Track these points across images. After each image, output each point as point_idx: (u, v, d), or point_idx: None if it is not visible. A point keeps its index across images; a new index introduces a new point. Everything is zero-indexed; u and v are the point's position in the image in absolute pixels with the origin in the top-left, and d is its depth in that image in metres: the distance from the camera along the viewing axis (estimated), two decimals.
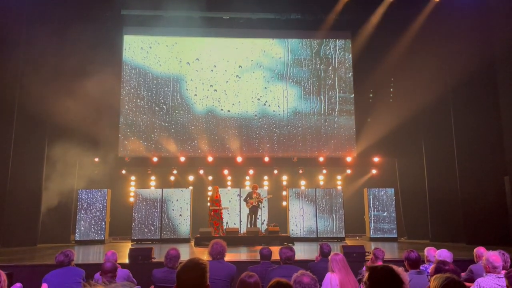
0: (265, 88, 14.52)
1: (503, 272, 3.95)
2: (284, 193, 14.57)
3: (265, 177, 14.90)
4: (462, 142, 11.81)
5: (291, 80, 14.61)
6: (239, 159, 14.05)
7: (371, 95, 14.35)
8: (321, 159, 14.26)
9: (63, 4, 12.44)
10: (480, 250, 5.23)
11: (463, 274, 4.86)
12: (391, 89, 14.45)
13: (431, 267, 4.40)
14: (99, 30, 13.01)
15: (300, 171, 14.90)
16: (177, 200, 12.98)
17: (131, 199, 13.45)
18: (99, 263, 5.48)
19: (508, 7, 11.10)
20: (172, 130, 14.11)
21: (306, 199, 13.37)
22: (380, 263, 5.08)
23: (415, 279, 4.05)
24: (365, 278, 2.28)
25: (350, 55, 14.79)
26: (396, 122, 13.23)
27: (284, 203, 14.30)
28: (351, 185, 14.95)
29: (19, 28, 11.47)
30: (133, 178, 14.35)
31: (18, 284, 4.88)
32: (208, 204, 12.46)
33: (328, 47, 14.85)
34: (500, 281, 3.76)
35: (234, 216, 13.33)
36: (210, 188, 13.87)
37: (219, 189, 12.66)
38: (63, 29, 12.30)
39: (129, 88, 14.20)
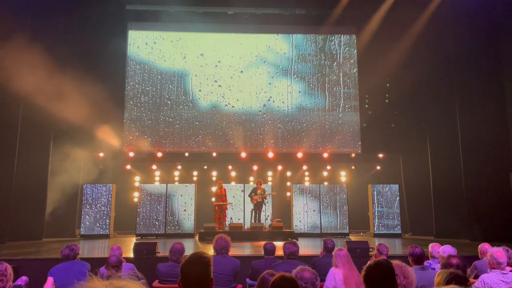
0: (270, 83, 14.49)
1: (508, 268, 3.95)
2: (288, 188, 14.58)
3: (269, 173, 14.90)
4: (467, 138, 11.73)
5: (295, 76, 14.57)
6: (243, 154, 14.04)
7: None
8: (325, 155, 14.23)
9: None
10: (484, 246, 5.23)
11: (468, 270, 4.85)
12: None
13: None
14: (103, 25, 13.06)
15: (304, 167, 14.88)
16: (181, 195, 13.01)
17: (136, 194, 13.51)
18: (104, 257, 5.52)
19: None
20: (177, 126, 14.13)
21: (310, 195, 13.36)
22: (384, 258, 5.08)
23: (419, 274, 4.04)
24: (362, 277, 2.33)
25: (355, 51, 14.71)
26: (399, 118, 13.15)
27: (288, 199, 14.31)
28: (355, 181, 14.91)
29: (24, 24, 11.48)
30: (137, 173, 14.41)
31: (24, 278, 4.93)
32: (213, 199, 12.48)
33: (333, 43, 14.78)
34: (505, 277, 3.76)
35: (238, 212, 13.35)
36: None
37: (223, 185, 12.70)
38: (67, 25, 12.35)
39: (133, 84, 14.23)
